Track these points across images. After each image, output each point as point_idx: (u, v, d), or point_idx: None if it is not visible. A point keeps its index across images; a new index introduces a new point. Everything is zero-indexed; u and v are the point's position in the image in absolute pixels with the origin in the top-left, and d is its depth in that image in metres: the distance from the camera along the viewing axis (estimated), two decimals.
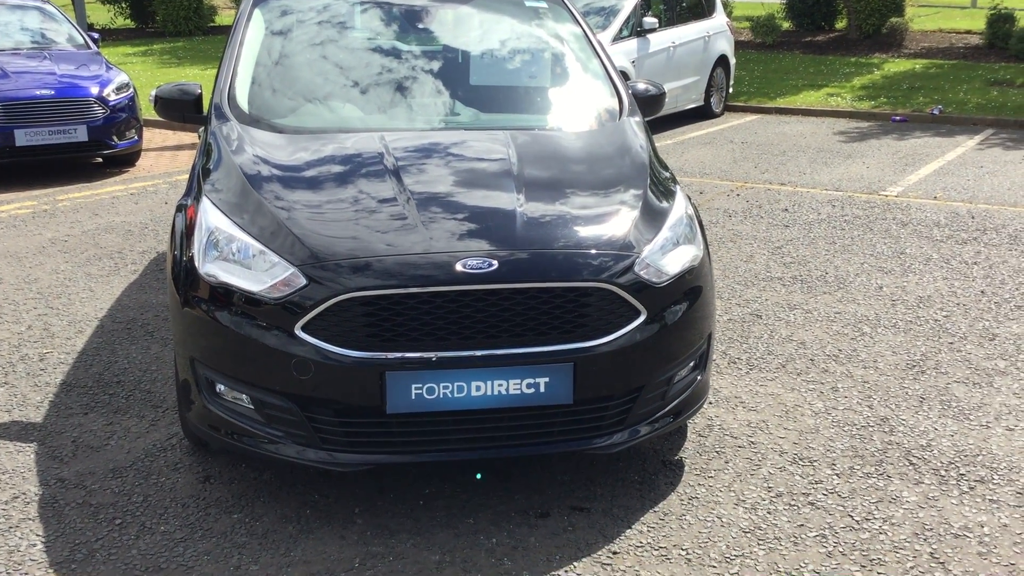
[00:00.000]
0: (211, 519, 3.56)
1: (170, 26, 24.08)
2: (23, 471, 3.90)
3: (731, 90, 14.65)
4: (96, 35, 11.50)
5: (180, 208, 3.98)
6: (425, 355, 3.28)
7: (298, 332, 3.31)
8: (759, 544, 3.40)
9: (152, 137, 12.04)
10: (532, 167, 3.90)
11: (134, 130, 10.12)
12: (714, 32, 13.90)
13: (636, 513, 3.59)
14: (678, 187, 4.08)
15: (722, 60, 14.12)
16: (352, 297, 3.27)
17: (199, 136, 5.85)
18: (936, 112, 13.92)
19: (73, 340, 5.34)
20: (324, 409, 3.36)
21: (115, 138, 9.84)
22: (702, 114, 13.86)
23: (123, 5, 26.16)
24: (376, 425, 3.36)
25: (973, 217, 8.10)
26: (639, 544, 3.40)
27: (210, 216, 3.65)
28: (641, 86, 4.90)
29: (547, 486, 3.78)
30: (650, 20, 12.44)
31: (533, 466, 3.90)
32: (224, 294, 3.46)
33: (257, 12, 4.83)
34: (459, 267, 3.31)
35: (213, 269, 3.51)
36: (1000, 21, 18.16)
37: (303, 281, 3.32)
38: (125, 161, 10.39)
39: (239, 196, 3.72)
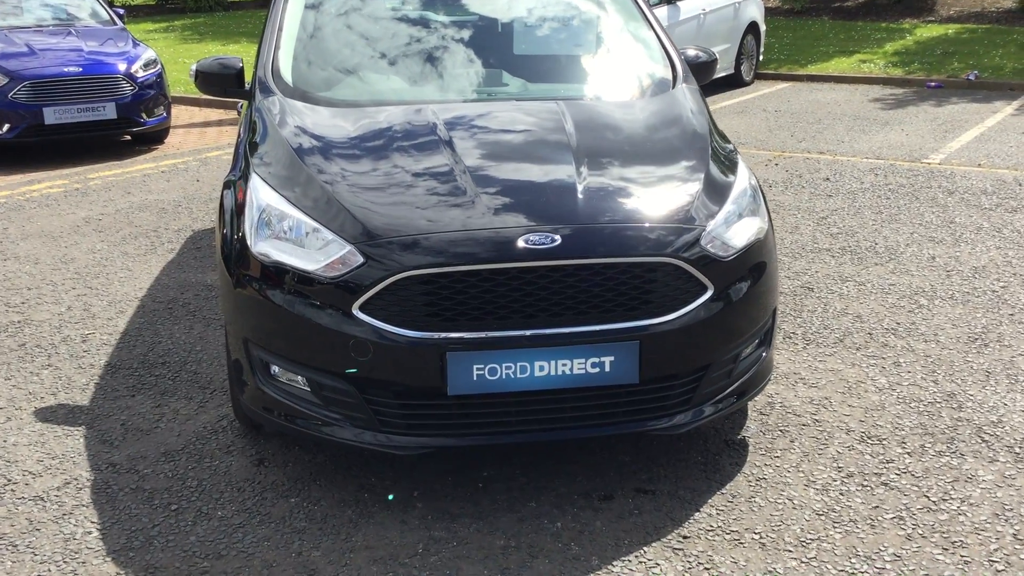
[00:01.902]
0: (268, 504, 3.48)
1: (191, 2, 23.97)
2: (73, 456, 3.83)
3: (761, 58, 14.41)
4: (121, 11, 11.38)
5: (228, 185, 3.87)
6: (487, 334, 3.18)
7: (356, 312, 3.21)
8: (834, 527, 3.29)
9: (179, 114, 11.94)
10: (589, 138, 3.77)
11: (162, 107, 10.03)
12: None
13: (703, 495, 3.49)
14: (739, 157, 3.94)
15: (752, 27, 13.88)
16: (411, 275, 3.16)
17: (239, 111, 5.74)
18: (972, 78, 13.65)
19: (115, 320, 5.26)
20: (383, 391, 3.27)
21: (144, 115, 9.75)
22: (732, 82, 13.64)
23: None
24: (437, 407, 3.26)
25: (1020, 184, 7.90)
26: (709, 528, 3.30)
27: (261, 193, 3.55)
28: (691, 52, 4.75)
29: (608, 467, 3.67)
30: None
31: (592, 447, 3.80)
32: (278, 273, 3.36)
33: None
34: (521, 243, 3.20)
35: (266, 248, 3.41)
36: None
37: (360, 259, 3.22)
38: (154, 138, 10.31)
39: (290, 172, 3.62)
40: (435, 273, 3.16)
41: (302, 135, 3.81)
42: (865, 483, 3.55)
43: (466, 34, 4.58)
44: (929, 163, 8.81)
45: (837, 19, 19.24)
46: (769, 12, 18.75)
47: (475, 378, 3.20)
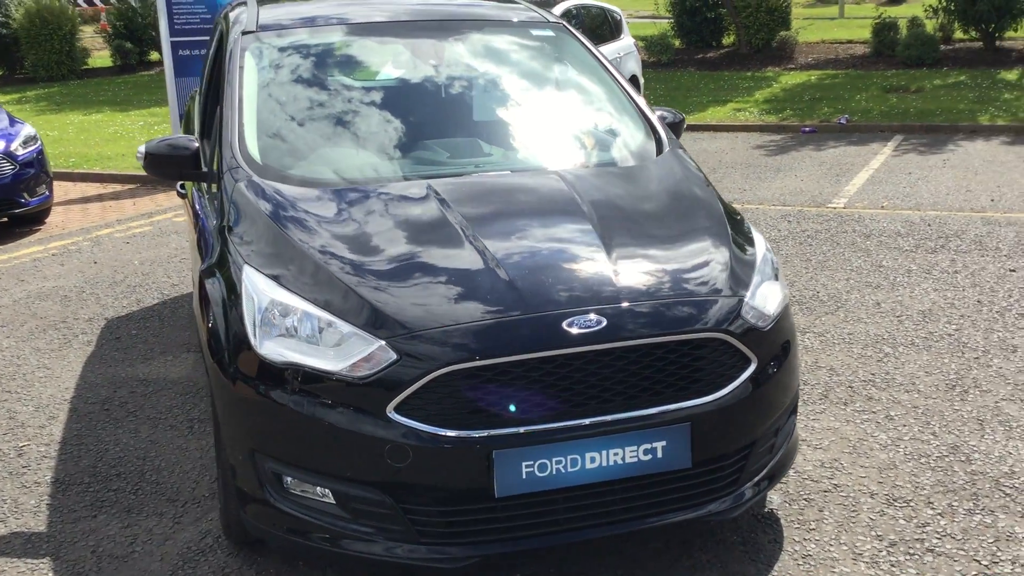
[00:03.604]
0: None
1: (41, 71, 22.85)
2: None
3: None
4: None
5: (209, 275, 3.53)
6: (536, 428, 2.94)
7: (391, 414, 2.92)
8: None
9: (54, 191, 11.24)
10: (603, 210, 3.58)
11: (44, 185, 9.41)
12: (624, 53, 13.89)
13: None
14: (747, 221, 3.83)
15: (633, 80, 14.11)
16: (453, 370, 2.90)
17: (180, 193, 5.33)
18: (843, 122, 14.18)
19: (47, 428, 4.76)
20: (422, 498, 2.98)
21: (26, 196, 9.11)
22: None
23: None
24: (483, 511, 2.99)
25: (929, 225, 8.14)
26: None
27: (260, 286, 3.22)
28: (659, 113, 4.64)
29: (644, 557, 3.46)
30: None
31: (621, 536, 3.57)
32: (291, 376, 3.04)
33: (248, 56, 4.36)
34: (566, 327, 2.98)
35: (274, 347, 3.09)
36: (885, 30, 18.72)
37: (392, 356, 2.93)
38: (34, 219, 9.63)
39: (288, 261, 3.31)
40: (479, 366, 2.91)
41: (295, 220, 3.50)
42: (911, 551, 3.44)
43: (440, 103, 4.36)
44: (835, 207, 9.00)
45: (703, 70, 19.79)
46: None
47: (524, 476, 2.96)
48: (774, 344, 3.30)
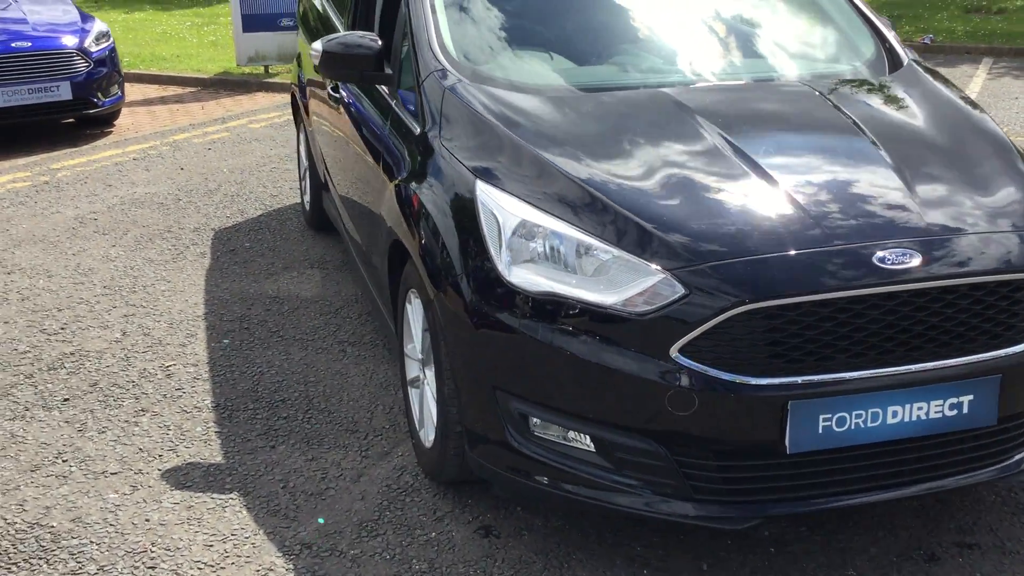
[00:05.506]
0: None
1: None
2: (248, 535, 3.06)
3: None
4: None
5: (416, 187, 3.14)
6: (838, 376, 2.58)
7: (675, 356, 2.55)
8: None
9: None
10: (877, 127, 3.16)
11: (116, 85, 8.96)
12: None
13: None
14: None
15: None
16: (753, 309, 2.52)
17: (334, 97, 4.88)
18: (927, 41, 13.58)
19: (189, 347, 4.42)
20: (702, 452, 2.63)
21: (99, 95, 8.66)
22: None
23: None
24: (771, 468, 2.65)
25: None
26: None
27: (502, 202, 2.83)
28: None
29: (904, 517, 3.13)
30: None
31: None
32: (548, 308, 2.67)
33: None
34: (876, 262, 2.60)
35: (526, 275, 2.72)
36: None
37: (679, 290, 2.56)
38: (104, 121, 9.21)
39: (525, 174, 2.92)
40: (782, 305, 2.53)
41: (526, 127, 3.09)
42: None
43: (638, 4, 3.88)
44: None
45: None
46: None
47: (821, 431, 2.60)
48: None
